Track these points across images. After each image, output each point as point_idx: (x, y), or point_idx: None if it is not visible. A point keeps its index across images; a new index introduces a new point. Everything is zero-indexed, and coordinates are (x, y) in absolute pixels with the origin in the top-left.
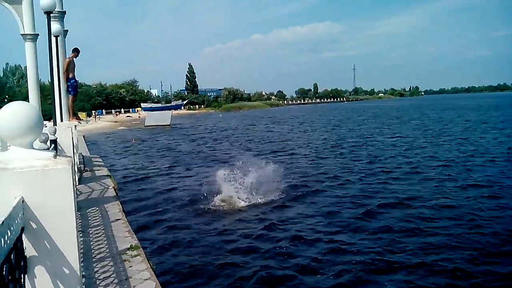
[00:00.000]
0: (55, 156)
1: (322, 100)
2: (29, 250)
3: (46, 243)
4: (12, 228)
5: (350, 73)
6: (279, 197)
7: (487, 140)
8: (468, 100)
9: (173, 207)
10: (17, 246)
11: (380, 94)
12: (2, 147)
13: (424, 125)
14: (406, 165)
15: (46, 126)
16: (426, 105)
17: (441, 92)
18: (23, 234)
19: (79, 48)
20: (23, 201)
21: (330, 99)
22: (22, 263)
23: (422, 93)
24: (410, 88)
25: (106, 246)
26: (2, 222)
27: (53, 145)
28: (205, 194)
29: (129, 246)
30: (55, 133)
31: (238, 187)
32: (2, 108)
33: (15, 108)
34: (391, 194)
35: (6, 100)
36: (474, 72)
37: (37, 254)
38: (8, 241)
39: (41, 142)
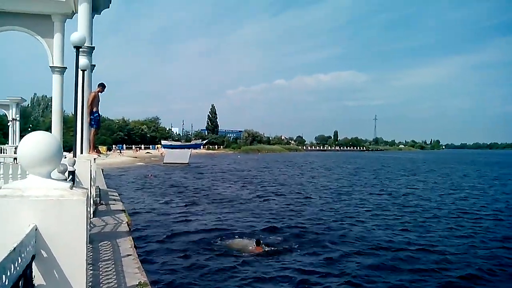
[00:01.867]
0: (71, 187)
1: (341, 148)
2: (38, 278)
3: (55, 273)
4: (23, 255)
5: (371, 123)
6: (285, 241)
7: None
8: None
9: (183, 245)
10: (26, 273)
11: (400, 146)
12: (22, 175)
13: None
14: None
15: (65, 157)
16: (445, 159)
17: (462, 147)
18: (33, 262)
19: (105, 84)
20: (36, 229)
21: (350, 147)
22: None
23: (443, 146)
24: (431, 141)
25: (115, 281)
26: (14, 249)
27: (71, 176)
28: (215, 234)
29: (137, 283)
30: (74, 164)
31: (246, 229)
32: (24, 137)
33: (35, 138)
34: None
35: (29, 129)
36: (497, 129)
37: (45, 283)
38: (18, 268)
39: (59, 173)
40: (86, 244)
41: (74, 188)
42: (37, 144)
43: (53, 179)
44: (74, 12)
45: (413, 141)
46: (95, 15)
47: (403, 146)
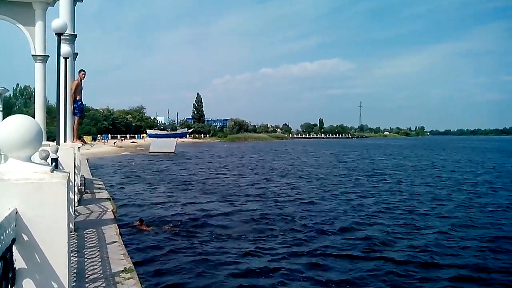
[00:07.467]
0: (52, 171)
1: (327, 136)
2: (19, 262)
3: (37, 256)
4: (2, 238)
5: (356, 110)
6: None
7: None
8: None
9: (166, 230)
10: (6, 257)
11: (385, 133)
12: (4, 160)
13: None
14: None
15: (49, 146)
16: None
17: (447, 133)
18: (13, 246)
19: (84, 70)
20: (16, 213)
21: (335, 135)
22: (10, 275)
23: (428, 133)
24: (415, 128)
25: (100, 268)
26: None
27: (53, 164)
28: (199, 220)
29: (123, 269)
30: (56, 152)
31: (228, 216)
32: (3, 121)
33: (15, 121)
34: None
35: None
36: (480, 115)
37: (26, 267)
38: None
39: (41, 159)
40: (68, 228)
41: (55, 171)
42: (16, 126)
43: (34, 163)
44: (55, 0)
45: (398, 128)
46: (77, 2)
47: (388, 133)
